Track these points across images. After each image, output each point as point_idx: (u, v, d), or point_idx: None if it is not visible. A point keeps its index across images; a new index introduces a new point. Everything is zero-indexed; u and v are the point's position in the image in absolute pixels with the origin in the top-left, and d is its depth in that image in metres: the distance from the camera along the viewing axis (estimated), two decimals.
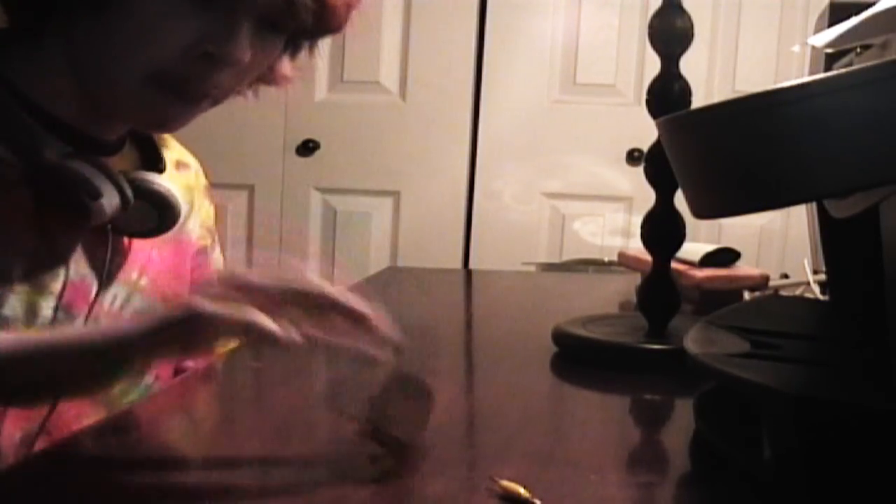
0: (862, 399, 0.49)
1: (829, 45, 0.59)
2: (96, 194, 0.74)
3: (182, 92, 0.73)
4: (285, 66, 0.84)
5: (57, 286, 0.76)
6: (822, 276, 1.04)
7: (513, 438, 0.59)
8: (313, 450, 0.58)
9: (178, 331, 0.59)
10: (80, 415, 0.75)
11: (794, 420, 0.48)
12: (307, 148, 2.54)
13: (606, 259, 2.25)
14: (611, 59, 2.51)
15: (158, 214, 0.80)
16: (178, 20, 0.70)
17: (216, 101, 0.77)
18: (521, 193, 2.57)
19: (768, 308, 0.82)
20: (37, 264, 0.75)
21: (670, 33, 0.81)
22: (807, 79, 0.40)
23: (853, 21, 0.56)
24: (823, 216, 0.74)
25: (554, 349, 0.85)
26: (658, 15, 0.82)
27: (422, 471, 0.52)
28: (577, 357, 0.83)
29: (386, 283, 1.41)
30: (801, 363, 0.57)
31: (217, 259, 0.97)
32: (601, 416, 0.69)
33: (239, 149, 2.56)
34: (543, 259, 2.42)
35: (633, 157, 2.49)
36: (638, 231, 0.85)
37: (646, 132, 0.77)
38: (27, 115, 0.75)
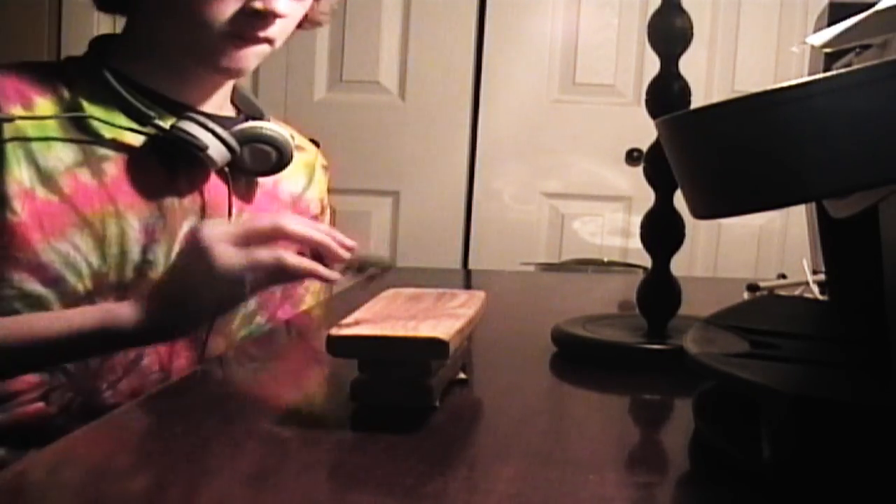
0: (862, 398, 0.49)
1: (827, 45, 0.59)
2: (203, 146, 0.94)
3: (245, 40, 0.95)
4: (316, 11, 1.06)
5: (181, 235, 0.95)
6: (822, 276, 1.04)
7: (512, 438, 0.60)
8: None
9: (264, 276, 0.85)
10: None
11: (794, 420, 0.48)
12: None
13: (606, 259, 2.25)
14: (610, 58, 2.51)
15: (275, 152, 1.01)
16: None
17: (273, 46, 0.99)
18: (521, 193, 2.57)
19: (768, 308, 0.82)
20: (171, 217, 0.95)
21: (669, 33, 0.81)
22: (807, 79, 0.40)
23: (852, 21, 0.56)
24: (823, 216, 0.74)
25: (553, 349, 0.85)
26: (657, 15, 0.82)
27: (421, 470, 0.52)
28: (577, 357, 0.83)
29: (386, 284, 1.41)
30: (800, 363, 0.57)
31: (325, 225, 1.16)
32: (601, 416, 0.69)
33: None
34: (543, 259, 2.42)
35: (632, 157, 2.49)
36: (637, 231, 0.85)
37: (645, 132, 0.77)
38: (137, 94, 0.96)
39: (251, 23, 0.94)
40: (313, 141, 1.15)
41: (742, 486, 0.51)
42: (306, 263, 0.84)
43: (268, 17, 0.94)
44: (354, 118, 2.55)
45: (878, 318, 0.53)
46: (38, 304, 0.89)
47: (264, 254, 0.83)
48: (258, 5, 0.93)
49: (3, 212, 0.87)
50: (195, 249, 0.84)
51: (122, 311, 0.86)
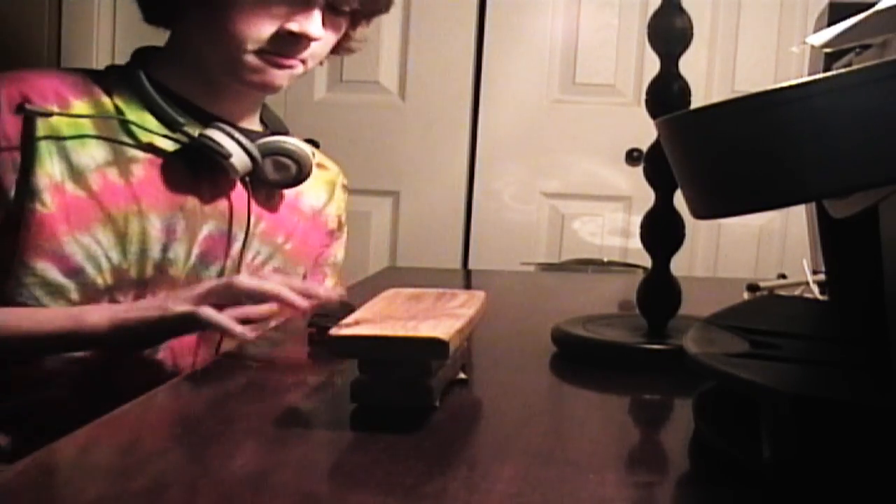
0: (862, 398, 0.49)
1: (827, 45, 0.59)
2: (227, 154, 0.99)
3: (279, 59, 1.00)
4: (351, 39, 1.10)
5: (201, 237, 1.01)
6: (822, 276, 1.04)
7: (512, 438, 0.60)
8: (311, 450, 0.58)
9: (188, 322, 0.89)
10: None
11: (794, 420, 0.48)
12: None
13: (606, 259, 2.25)
14: (610, 58, 2.51)
15: (295, 165, 1.05)
16: (270, 8, 0.97)
17: (306, 66, 1.03)
18: (521, 193, 2.57)
19: (768, 308, 0.82)
20: (192, 219, 1.00)
21: (669, 33, 0.81)
22: (807, 79, 0.40)
23: (852, 21, 0.56)
24: (823, 216, 0.74)
25: (553, 349, 0.85)
26: (657, 15, 0.82)
27: (421, 470, 0.52)
28: (577, 357, 0.83)
29: (385, 284, 1.41)
30: (800, 363, 0.57)
31: (341, 242, 1.23)
32: (601, 416, 0.69)
33: None
34: (543, 259, 2.42)
35: (632, 156, 2.49)
36: (637, 231, 0.85)
37: (645, 132, 0.77)
38: (171, 102, 1.02)
39: (286, 44, 0.99)
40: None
41: (742, 486, 0.51)
42: (215, 320, 0.87)
43: (302, 39, 0.99)
44: (354, 118, 2.55)
45: (878, 318, 0.53)
46: (58, 293, 0.94)
47: (187, 308, 0.88)
48: (294, 27, 0.97)
49: (33, 203, 0.92)
50: (169, 296, 0.91)
51: (93, 316, 0.90)
